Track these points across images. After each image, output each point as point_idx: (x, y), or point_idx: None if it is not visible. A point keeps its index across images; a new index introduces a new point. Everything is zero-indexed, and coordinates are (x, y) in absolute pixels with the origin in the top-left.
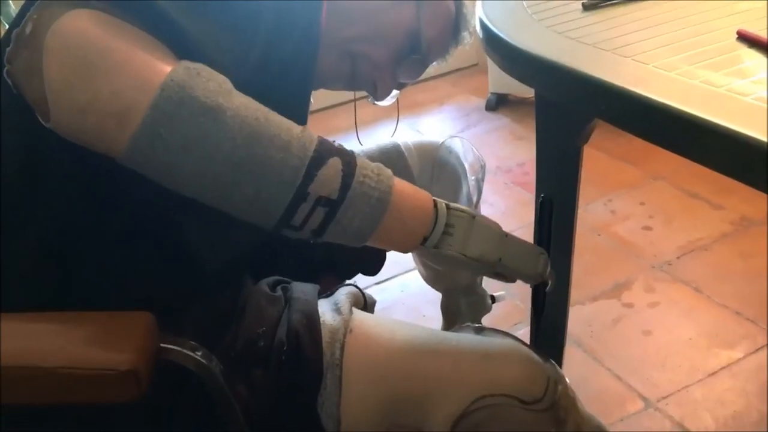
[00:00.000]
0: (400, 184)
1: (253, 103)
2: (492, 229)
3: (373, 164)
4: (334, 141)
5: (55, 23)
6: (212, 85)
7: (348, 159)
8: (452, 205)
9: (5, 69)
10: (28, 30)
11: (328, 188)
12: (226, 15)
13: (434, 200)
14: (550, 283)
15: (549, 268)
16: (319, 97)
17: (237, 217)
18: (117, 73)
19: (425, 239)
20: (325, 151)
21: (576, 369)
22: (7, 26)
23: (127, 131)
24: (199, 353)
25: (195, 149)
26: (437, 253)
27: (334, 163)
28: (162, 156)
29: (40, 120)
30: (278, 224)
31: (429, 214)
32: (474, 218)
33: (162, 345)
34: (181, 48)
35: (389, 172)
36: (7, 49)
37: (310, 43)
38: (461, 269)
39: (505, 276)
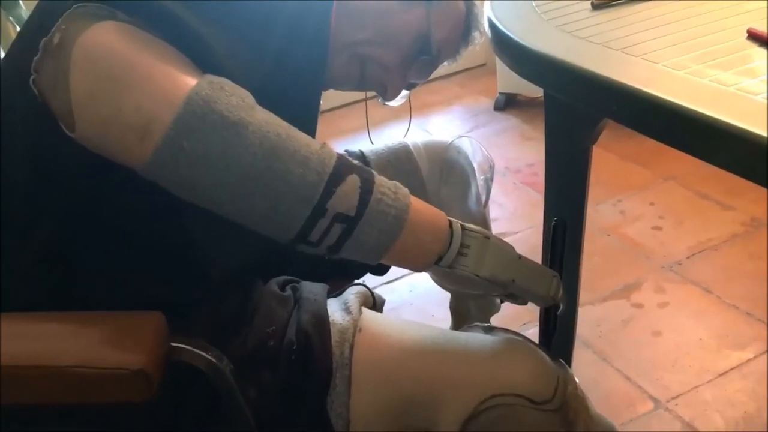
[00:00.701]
0: (417, 203)
1: (274, 118)
2: (506, 250)
3: (391, 182)
4: (351, 158)
5: (81, 35)
6: (235, 99)
7: (366, 176)
8: (467, 225)
9: (32, 78)
10: (55, 40)
11: (346, 205)
12: (241, 24)
13: (450, 220)
14: (561, 305)
15: (561, 291)
16: (328, 98)
17: (255, 230)
18: (140, 87)
19: (440, 258)
20: (344, 167)
21: (585, 370)
22: (18, 28)
23: (149, 144)
24: (211, 353)
25: (216, 163)
26: (451, 272)
27: (353, 180)
28: (183, 169)
29: (65, 130)
30: (295, 239)
31: (444, 233)
32: (488, 239)
33: (173, 344)
34: (203, 59)
35: (406, 190)
36: (35, 58)
37: (319, 48)
38: (474, 290)
39: (517, 297)
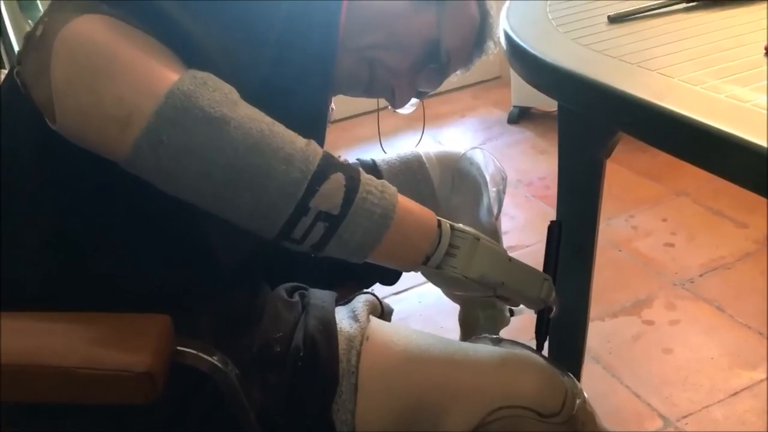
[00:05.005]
0: (405, 202)
1: (258, 114)
2: (496, 251)
3: (378, 181)
4: (339, 156)
5: (64, 27)
6: (218, 95)
7: (352, 174)
8: (457, 225)
9: (15, 69)
10: (38, 32)
11: (329, 203)
12: (238, 20)
13: (439, 220)
14: (554, 309)
15: (553, 294)
16: (342, 107)
17: (240, 226)
18: (122, 78)
19: (428, 258)
20: (329, 165)
21: (594, 385)
22: None
23: (129, 137)
24: (215, 357)
25: (197, 158)
26: (440, 273)
27: (337, 178)
28: (164, 163)
29: (47, 122)
30: (279, 236)
31: (432, 233)
32: (478, 240)
33: (178, 348)
34: (189, 54)
35: (394, 189)
36: (18, 50)
37: (327, 49)
38: (463, 291)
39: (508, 299)
